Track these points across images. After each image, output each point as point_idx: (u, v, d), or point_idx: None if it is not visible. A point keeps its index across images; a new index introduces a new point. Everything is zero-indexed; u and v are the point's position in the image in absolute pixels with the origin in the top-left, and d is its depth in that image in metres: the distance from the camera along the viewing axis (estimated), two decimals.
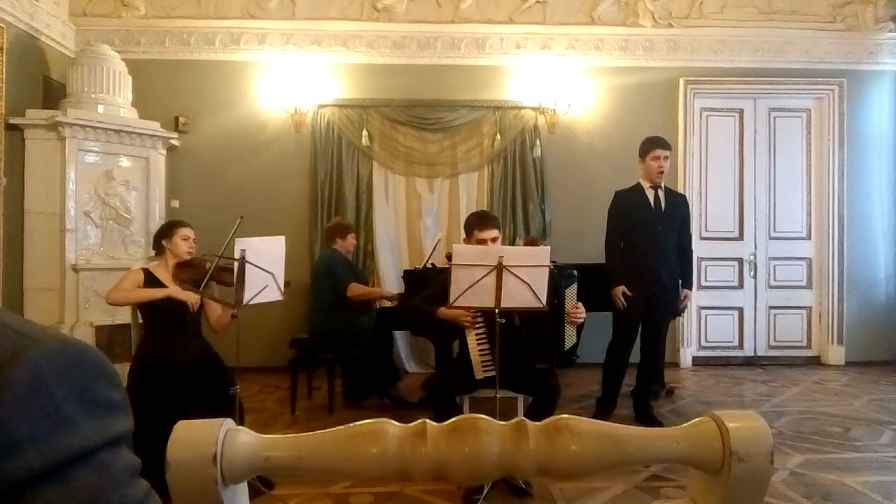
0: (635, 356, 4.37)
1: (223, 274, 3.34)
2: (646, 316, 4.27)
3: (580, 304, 3.35)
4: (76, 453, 0.46)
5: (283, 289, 3.38)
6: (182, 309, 3.27)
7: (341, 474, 0.56)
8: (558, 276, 3.32)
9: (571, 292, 3.39)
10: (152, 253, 3.66)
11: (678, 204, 4.40)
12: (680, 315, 5.46)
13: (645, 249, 4.24)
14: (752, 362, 6.34)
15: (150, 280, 3.37)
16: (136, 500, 0.50)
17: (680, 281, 4.37)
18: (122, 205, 5.36)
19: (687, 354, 6.33)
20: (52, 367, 0.46)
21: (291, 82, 5.96)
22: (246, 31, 6.05)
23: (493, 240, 3.31)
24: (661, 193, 4.32)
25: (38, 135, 5.04)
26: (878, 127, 6.37)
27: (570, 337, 3.36)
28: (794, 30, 6.28)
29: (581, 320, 3.35)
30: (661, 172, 4.26)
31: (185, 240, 3.45)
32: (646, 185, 4.32)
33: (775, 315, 6.46)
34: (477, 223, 3.37)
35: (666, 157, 4.28)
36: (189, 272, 3.39)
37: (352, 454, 0.56)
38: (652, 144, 4.31)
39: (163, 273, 3.41)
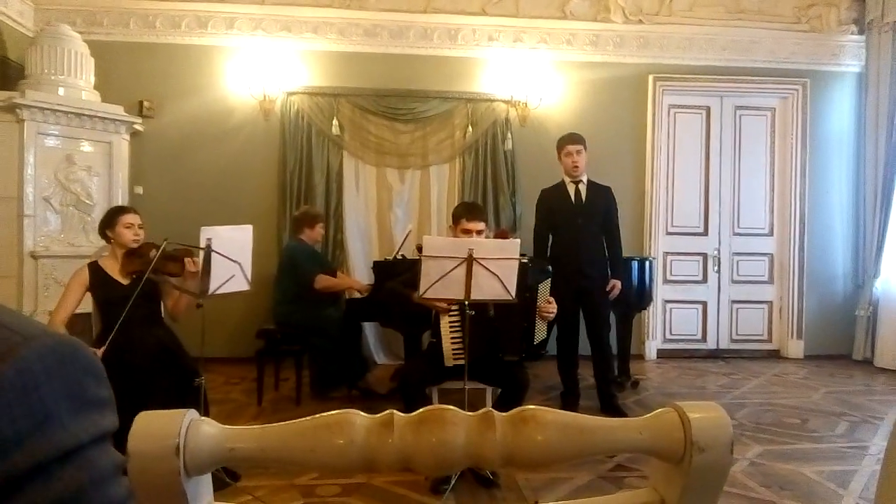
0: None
1: (168, 264, 3.21)
2: (583, 308, 4.39)
3: (552, 300, 3.39)
4: (63, 451, 0.46)
5: (249, 278, 3.33)
6: (130, 297, 3.12)
7: (307, 466, 0.56)
8: (532, 271, 3.34)
9: (545, 287, 3.41)
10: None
11: (600, 196, 4.49)
12: (645, 307, 5.56)
13: (568, 242, 4.38)
14: (714, 355, 6.49)
15: (98, 276, 3.27)
16: (118, 498, 0.50)
17: (610, 272, 4.46)
18: (83, 190, 5.22)
19: (652, 347, 6.44)
20: (42, 366, 0.46)
21: (260, 69, 5.86)
22: (214, 14, 5.93)
23: (479, 232, 3.33)
24: (581, 187, 4.45)
25: None
26: (839, 127, 6.55)
27: (540, 331, 3.39)
28: (761, 30, 6.40)
29: (552, 316, 3.39)
30: (577, 167, 4.41)
31: (128, 228, 3.31)
32: (567, 180, 4.47)
33: (738, 309, 6.62)
34: (465, 213, 3.38)
35: (579, 152, 4.41)
36: (136, 262, 3.24)
37: (317, 445, 0.56)
38: (565, 141, 4.48)
39: (112, 264, 3.32)
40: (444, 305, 3.23)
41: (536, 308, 3.33)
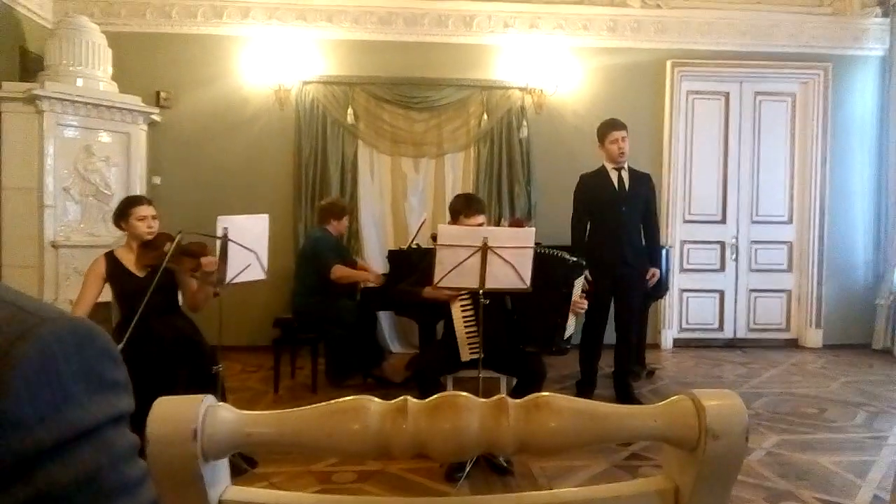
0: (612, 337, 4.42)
1: (184, 260, 3.20)
2: (616, 297, 4.33)
3: (585, 295, 3.38)
4: (81, 430, 0.46)
5: (266, 268, 3.35)
6: (146, 289, 3.09)
7: (323, 450, 0.57)
8: (571, 266, 3.31)
9: (580, 283, 3.40)
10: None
11: (642, 184, 4.44)
12: (662, 296, 5.52)
13: (610, 230, 4.30)
14: (731, 344, 6.44)
15: (114, 267, 3.29)
16: (134, 479, 0.50)
17: (647, 260, 4.42)
18: (101, 181, 5.28)
19: (668, 336, 6.41)
20: (60, 346, 0.47)
21: (275, 58, 5.86)
22: (229, 4, 5.94)
23: (479, 226, 3.31)
24: (624, 174, 4.38)
25: (15, 108, 4.92)
26: (862, 112, 6.42)
27: (570, 326, 3.38)
28: (782, 13, 6.28)
29: (582, 311, 3.39)
30: (623, 153, 4.32)
31: (141, 220, 3.30)
32: (609, 167, 4.38)
33: (755, 298, 6.55)
34: (463, 208, 3.37)
35: (624, 138, 4.33)
36: (151, 255, 3.23)
37: (333, 430, 0.56)
38: (609, 128, 4.37)
39: (128, 256, 3.34)
40: (446, 294, 3.18)
41: (571, 304, 3.31)
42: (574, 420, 0.60)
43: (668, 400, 0.62)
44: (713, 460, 0.60)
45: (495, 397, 0.62)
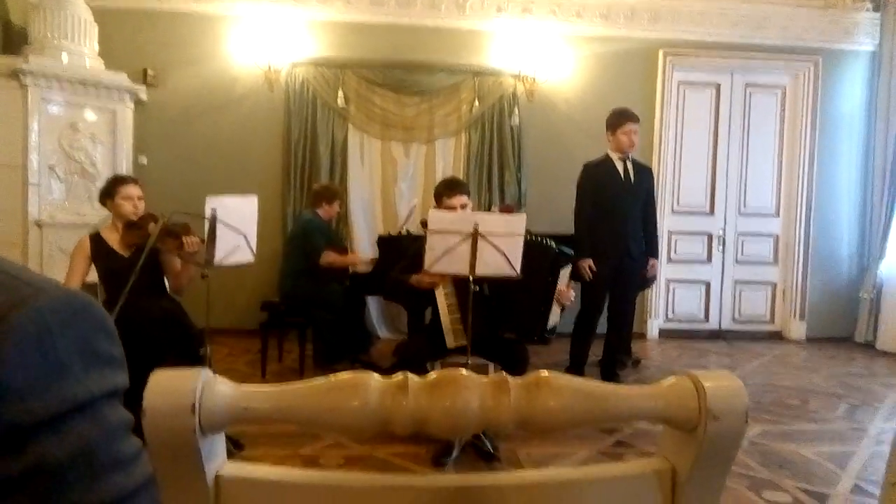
0: (602, 326, 4.45)
1: (167, 240, 3.19)
2: (613, 286, 4.34)
3: (572, 287, 3.39)
4: (75, 403, 0.46)
5: (254, 250, 3.33)
6: (131, 269, 3.11)
7: (322, 426, 0.56)
8: (556, 255, 3.31)
9: (565, 272, 3.40)
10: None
11: (645, 175, 4.48)
12: (649, 286, 5.56)
13: (615, 220, 4.30)
14: (716, 335, 6.50)
15: (99, 246, 3.27)
16: (128, 456, 0.50)
17: (646, 250, 4.46)
18: (87, 159, 5.20)
19: (654, 326, 6.46)
20: (55, 317, 0.46)
21: (266, 38, 5.78)
22: None
23: (463, 206, 3.31)
24: (629, 165, 4.38)
25: None
26: (850, 107, 6.47)
27: (554, 315, 3.38)
28: (774, 5, 6.29)
29: (569, 303, 3.39)
30: (633, 145, 4.33)
31: (127, 199, 3.30)
32: (615, 156, 4.37)
33: (741, 290, 6.61)
34: (445, 190, 3.37)
35: (636, 132, 4.33)
36: (135, 234, 3.23)
37: (333, 405, 0.56)
38: (624, 118, 4.33)
39: (113, 235, 3.32)
40: (428, 281, 3.17)
41: (556, 293, 3.32)
42: (574, 399, 0.59)
43: (668, 380, 0.62)
44: (713, 441, 0.60)
45: (495, 375, 0.61)
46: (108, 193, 3.34)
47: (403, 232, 5.07)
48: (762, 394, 4.42)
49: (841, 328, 6.45)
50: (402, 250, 3.96)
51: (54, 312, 0.46)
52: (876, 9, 6.33)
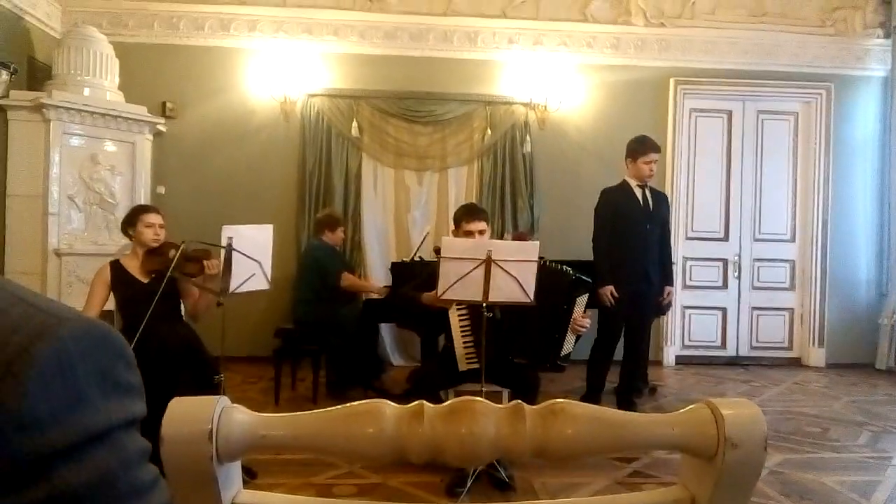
0: (619, 353, 4.41)
1: (187, 265, 3.25)
2: (631, 313, 4.31)
3: (588, 316, 3.35)
4: (95, 433, 0.46)
5: (269, 278, 3.35)
6: (150, 295, 3.14)
7: (338, 453, 0.56)
8: (572, 282, 3.30)
9: (582, 300, 3.38)
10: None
11: (662, 202, 4.50)
12: (664, 313, 5.51)
13: (634, 247, 4.29)
14: (734, 362, 6.41)
15: (119, 274, 3.32)
16: (145, 484, 0.50)
17: (663, 278, 4.45)
18: (106, 190, 5.29)
19: (670, 353, 6.38)
20: (77, 347, 0.46)
21: (281, 70, 5.90)
22: (236, 17, 5.99)
23: (481, 232, 3.31)
24: (647, 192, 4.38)
25: (22, 116, 4.95)
26: (864, 132, 6.45)
27: (568, 343, 3.35)
28: (784, 33, 6.33)
29: (584, 331, 3.35)
30: (652, 175, 4.37)
31: (149, 227, 3.36)
32: (633, 183, 4.37)
33: (758, 316, 6.53)
34: (465, 216, 3.38)
35: (656, 161, 4.38)
36: (156, 261, 3.29)
37: (349, 433, 0.56)
38: (647, 147, 4.34)
39: (133, 263, 3.37)
40: (439, 302, 3.14)
41: (571, 320, 3.29)
42: (591, 427, 0.59)
43: (687, 408, 0.61)
44: (732, 469, 0.59)
45: (511, 403, 0.61)
46: (131, 222, 3.40)
47: (416, 258, 5.08)
48: (782, 421, 4.34)
49: (861, 354, 6.33)
50: (415, 277, 3.97)
51: (76, 341, 0.46)
52: (886, 35, 6.34)
